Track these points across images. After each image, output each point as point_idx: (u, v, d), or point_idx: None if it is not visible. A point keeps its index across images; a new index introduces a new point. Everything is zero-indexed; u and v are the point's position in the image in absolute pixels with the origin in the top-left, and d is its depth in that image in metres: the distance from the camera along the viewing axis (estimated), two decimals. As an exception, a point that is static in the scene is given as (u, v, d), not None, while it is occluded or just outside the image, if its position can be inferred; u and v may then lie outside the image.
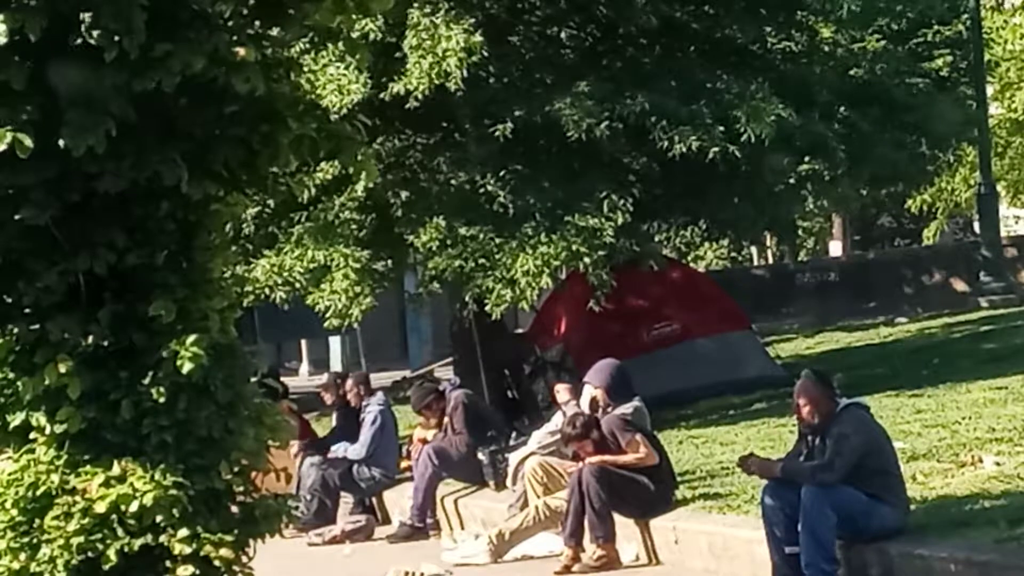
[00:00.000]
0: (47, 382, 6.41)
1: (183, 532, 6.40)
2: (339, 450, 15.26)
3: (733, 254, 42.05)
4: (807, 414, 9.58)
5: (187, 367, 6.29)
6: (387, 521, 15.03)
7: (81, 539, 6.38)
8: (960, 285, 28.11)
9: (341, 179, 14.86)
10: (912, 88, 18.75)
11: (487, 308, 15.36)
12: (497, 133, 15.13)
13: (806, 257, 43.95)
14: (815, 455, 9.52)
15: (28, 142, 5.91)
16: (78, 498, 6.39)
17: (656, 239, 19.08)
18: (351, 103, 14.52)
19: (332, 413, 16.80)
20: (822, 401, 9.56)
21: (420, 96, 14.61)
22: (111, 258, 6.41)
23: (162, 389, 6.39)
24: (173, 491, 6.36)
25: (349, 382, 15.93)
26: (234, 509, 6.68)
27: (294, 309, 17.64)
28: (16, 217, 6.33)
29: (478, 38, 14.49)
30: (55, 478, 6.46)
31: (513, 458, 13.12)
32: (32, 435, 6.56)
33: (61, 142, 6.00)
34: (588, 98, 15.11)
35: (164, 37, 6.02)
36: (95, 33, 5.88)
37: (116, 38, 5.88)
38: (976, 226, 33.77)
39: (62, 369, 6.38)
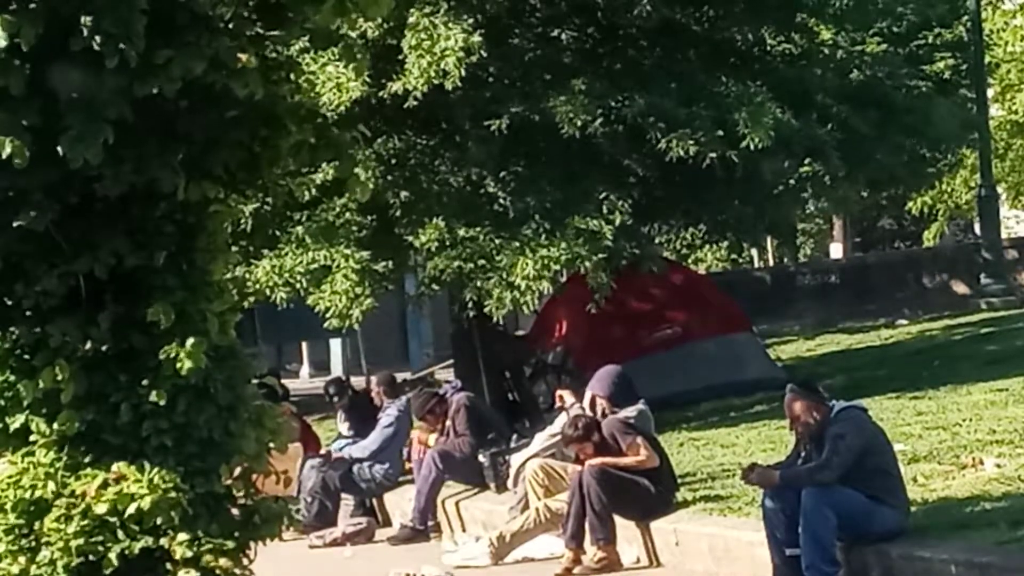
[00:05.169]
0: (43, 385, 6.41)
1: (183, 535, 6.39)
2: (343, 449, 15.27)
3: (733, 256, 42.01)
4: (802, 425, 9.60)
5: (186, 368, 6.28)
6: (388, 523, 15.00)
7: (81, 542, 6.37)
8: (961, 287, 28.07)
9: (342, 180, 14.82)
10: (912, 91, 18.73)
11: (487, 311, 15.35)
12: (493, 129, 15.12)
13: (806, 259, 43.96)
14: (813, 459, 9.52)
15: (26, 152, 5.90)
16: (78, 500, 6.39)
17: (656, 241, 19.05)
18: (349, 100, 14.51)
19: (334, 416, 16.78)
20: (813, 409, 9.56)
21: (419, 95, 14.59)
22: (111, 261, 6.40)
23: (162, 392, 6.39)
24: (172, 494, 6.36)
25: (373, 381, 15.94)
26: (234, 512, 6.67)
27: (294, 311, 17.61)
28: (16, 221, 6.33)
29: (477, 38, 14.47)
30: (55, 481, 6.45)
31: (515, 460, 13.11)
32: (32, 438, 6.56)
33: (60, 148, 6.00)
34: (584, 95, 15.09)
35: (164, 42, 6.02)
36: (96, 39, 5.87)
37: (119, 45, 5.87)
38: (977, 228, 33.72)
39: (59, 373, 6.38)
